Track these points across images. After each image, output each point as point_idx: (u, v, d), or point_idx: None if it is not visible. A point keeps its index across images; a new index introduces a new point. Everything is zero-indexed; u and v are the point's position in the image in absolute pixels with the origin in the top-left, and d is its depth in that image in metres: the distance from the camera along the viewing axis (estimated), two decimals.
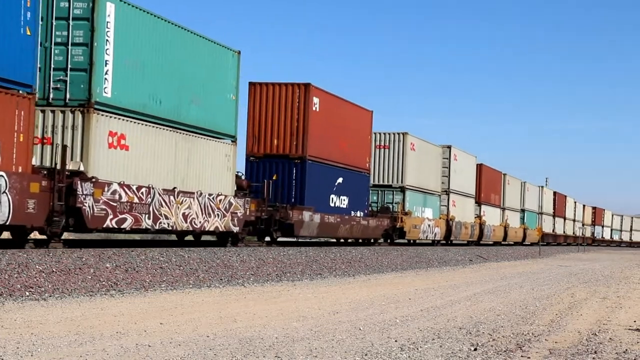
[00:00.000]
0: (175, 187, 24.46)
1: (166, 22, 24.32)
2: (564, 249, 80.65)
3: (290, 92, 32.93)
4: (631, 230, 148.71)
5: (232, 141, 27.95)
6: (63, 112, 21.20)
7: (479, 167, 62.51)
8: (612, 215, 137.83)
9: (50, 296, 14.62)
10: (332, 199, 35.71)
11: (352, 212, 37.86)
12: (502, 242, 70.81)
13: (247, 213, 28.66)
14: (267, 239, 32.77)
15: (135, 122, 22.84)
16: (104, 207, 21.17)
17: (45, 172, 19.78)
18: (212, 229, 26.35)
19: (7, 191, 17.93)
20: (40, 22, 19.95)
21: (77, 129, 21.12)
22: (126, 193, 22.05)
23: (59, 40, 21.32)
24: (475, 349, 10.36)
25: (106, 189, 21.28)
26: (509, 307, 16.01)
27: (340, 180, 36.25)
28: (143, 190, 22.80)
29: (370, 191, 42.79)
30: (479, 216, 61.84)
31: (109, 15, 21.66)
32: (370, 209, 41.71)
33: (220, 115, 27.27)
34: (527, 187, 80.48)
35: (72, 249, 19.83)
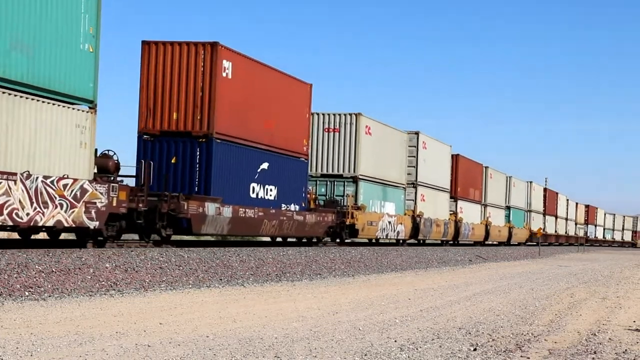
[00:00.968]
0: None
1: None
2: (564, 249, 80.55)
3: (194, 54, 26.41)
4: (623, 229, 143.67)
5: (90, 107, 20.98)
6: None
7: (455, 158, 55.81)
8: (605, 214, 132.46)
9: (49, 296, 14.62)
10: (254, 189, 29.19)
11: (284, 205, 31.57)
12: (484, 243, 64.96)
13: (114, 203, 21.58)
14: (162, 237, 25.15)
15: None
16: None
17: None
18: (50, 223, 19.47)
19: None
20: None
21: None
22: None
23: None
24: (475, 349, 10.36)
25: None
26: (508, 307, 16.01)
27: (264, 166, 29.90)
28: None
29: (318, 182, 38.30)
30: (454, 213, 55.10)
31: None
32: (317, 202, 36.41)
33: (67, 71, 20.22)
34: (514, 182, 74.13)
35: (71, 249, 19.84)
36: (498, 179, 68.41)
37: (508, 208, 72.00)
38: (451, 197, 54.67)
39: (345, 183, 38.60)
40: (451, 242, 56.83)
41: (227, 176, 27.36)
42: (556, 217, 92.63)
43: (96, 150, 21.56)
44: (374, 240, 45.42)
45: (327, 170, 38.78)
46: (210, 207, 25.86)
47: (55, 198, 19.46)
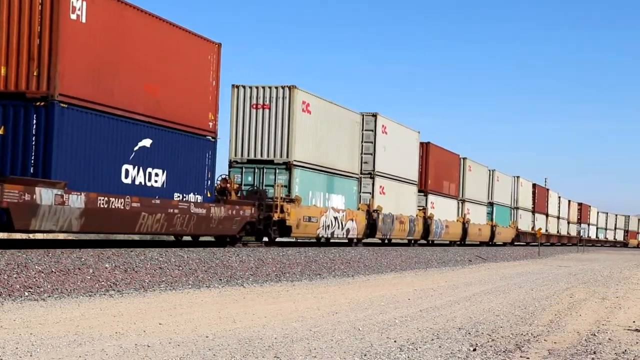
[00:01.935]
0: None
1: None
2: (563, 249, 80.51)
3: None
4: (615, 228, 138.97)
5: None
6: None
7: (425, 147, 49.41)
8: (598, 213, 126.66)
9: (49, 296, 14.62)
10: (127, 172, 22.55)
11: (177, 194, 24.85)
12: (463, 242, 58.70)
13: None
14: None
15: None
16: None
17: None
18: None
19: None
20: None
21: None
22: None
23: None
24: (475, 350, 10.36)
25: None
26: (508, 308, 16.02)
27: (145, 143, 23.32)
28: None
29: (245, 170, 32.16)
30: (423, 208, 48.73)
31: None
32: (242, 194, 30.54)
33: None
34: (497, 176, 67.03)
35: (71, 249, 19.84)
36: (478, 171, 61.99)
37: (491, 204, 65.78)
38: (420, 191, 48.60)
39: (277, 170, 32.13)
40: (421, 242, 50.44)
41: (80, 153, 20.69)
42: (547, 215, 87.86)
43: None
44: (315, 240, 38.39)
45: (255, 155, 32.39)
46: (45, 195, 18.96)
47: None
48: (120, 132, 22.26)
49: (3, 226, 18.59)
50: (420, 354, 9.83)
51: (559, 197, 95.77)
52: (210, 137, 26.54)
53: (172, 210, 24.10)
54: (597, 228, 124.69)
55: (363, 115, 40.08)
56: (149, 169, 23.60)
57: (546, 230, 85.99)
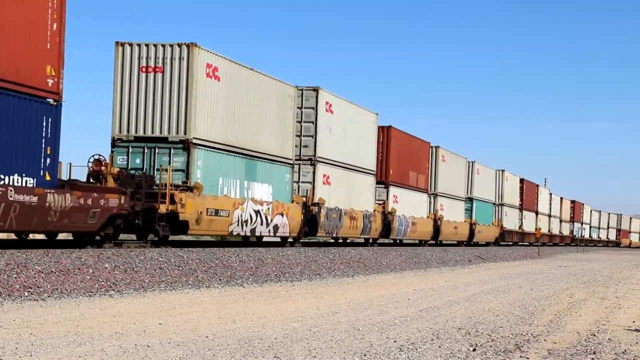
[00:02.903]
0: None
1: None
2: (563, 249, 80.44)
3: None
4: (608, 227, 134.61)
5: None
6: None
7: (386, 131, 42.33)
8: (591, 211, 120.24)
9: (49, 296, 14.62)
10: None
11: None
12: (437, 242, 52.12)
13: None
14: None
15: None
16: None
17: None
18: None
19: None
20: None
21: None
22: None
23: None
24: (474, 350, 10.36)
25: None
26: (508, 308, 16.02)
27: None
28: None
29: (132, 149, 25.59)
30: (383, 203, 41.52)
31: None
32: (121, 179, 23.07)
33: None
34: (478, 168, 59.40)
35: (71, 249, 19.85)
36: (454, 163, 54.67)
37: (470, 200, 58.38)
38: (380, 183, 41.59)
39: (173, 151, 25.48)
40: (380, 241, 43.34)
41: None
42: (537, 213, 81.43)
43: None
44: (225, 239, 31.62)
45: (144, 132, 25.75)
46: None
47: None
48: None
49: None
50: (420, 354, 9.83)
51: (551, 194, 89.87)
52: (50, 100, 19.36)
53: None
54: (590, 227, 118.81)
55: (302, 90, 33.38)
56: None
57: (536, 229, 77.05)
